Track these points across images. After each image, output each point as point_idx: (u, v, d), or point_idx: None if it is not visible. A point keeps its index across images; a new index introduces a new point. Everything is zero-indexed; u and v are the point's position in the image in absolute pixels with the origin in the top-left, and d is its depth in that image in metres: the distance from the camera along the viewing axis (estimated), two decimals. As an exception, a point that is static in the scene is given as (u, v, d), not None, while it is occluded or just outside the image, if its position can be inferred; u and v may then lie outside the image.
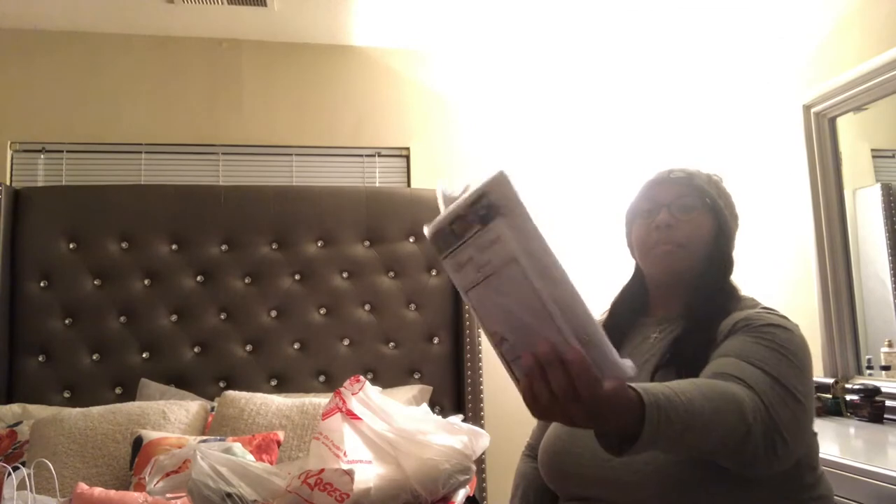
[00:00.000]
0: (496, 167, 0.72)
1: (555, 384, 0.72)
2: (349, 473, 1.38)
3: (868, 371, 2.26)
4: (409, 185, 3.12)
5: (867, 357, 2.28)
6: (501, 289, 0.74)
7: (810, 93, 2.44)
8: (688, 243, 1.22)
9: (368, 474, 1.50)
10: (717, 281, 1.23)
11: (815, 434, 1.12)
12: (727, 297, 1.22)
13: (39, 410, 2.41)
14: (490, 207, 0.71)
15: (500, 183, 0.71)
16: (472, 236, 0.74)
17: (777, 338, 1.07)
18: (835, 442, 1.93)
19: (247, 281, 2.77)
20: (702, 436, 0.87)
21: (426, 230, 0.79)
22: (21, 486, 1.62)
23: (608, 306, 1.36)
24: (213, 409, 2.42)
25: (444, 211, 0.77)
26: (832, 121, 2.44)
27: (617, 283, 1.38)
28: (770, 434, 0.93)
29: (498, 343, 0.78)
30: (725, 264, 1.26)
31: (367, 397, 1.59)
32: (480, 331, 2.78)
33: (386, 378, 2.74)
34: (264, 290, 2.76)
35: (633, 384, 0.81)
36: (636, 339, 1.26)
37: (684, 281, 1.23)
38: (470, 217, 0.73)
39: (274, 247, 2.80)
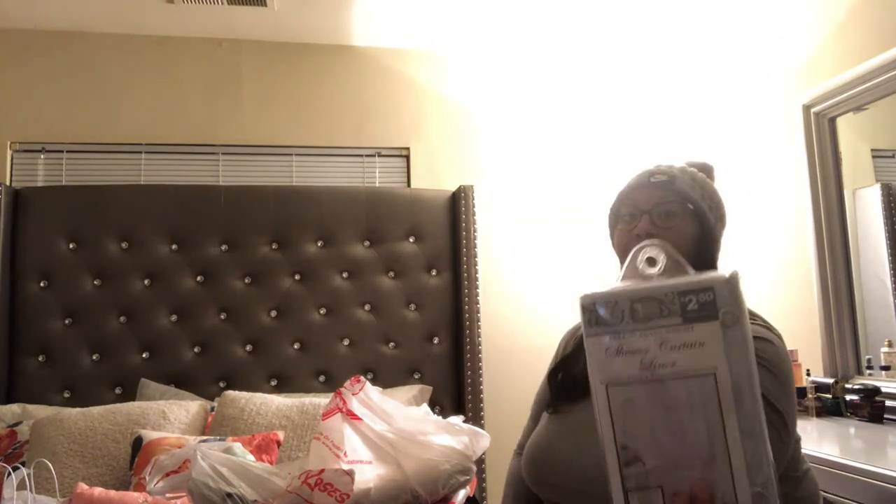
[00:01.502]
0: (727, 268, 0.60)
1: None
2: (349, 474, 1.38)
3: (868, 371, 2.26)
4: (409, 185, 3.12)
5: (867, 357, 2.28)
6: (672, 399, 0.62)
7: (810, 93, 2.44)
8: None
9: (368, 475, 1.50)
10: None
11: (798, 438, 1.12)
12: None
13: (39, 410, 2.41)
14: (706, 306, 0.60)
15: (731, 285, 0.60)
16: (662, 326, 0.62)
17: (761, 354, 1.04)
18: (835, 442, 1.93)
19: (247, 281, 2.77)
20: None
21: (584, 295, 0.66)
22: (21, 486, 1.62)
23: None
24: (213, 409, 2.42)
25: (623, 280, 0.65)
26: (832, 121, 2.43)
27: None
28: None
29: (626, 461, 0.64)
30: (710, 266, 1.22)
31: (367, 398, 1.59)
32: (480, 331, 2.80)
33: (386, 378, 2.74)
34: (264, 290, 2.76)
35: None
36: None
37: None
38: (670, 304, 0.62)
39: (274, 247, 2.80)
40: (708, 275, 0.62)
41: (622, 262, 1.24)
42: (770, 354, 1.05)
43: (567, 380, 1.20)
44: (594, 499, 1.05)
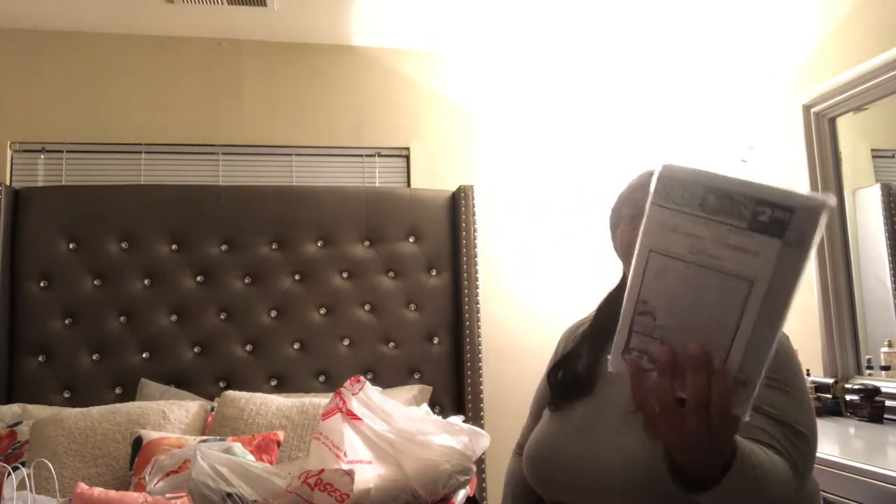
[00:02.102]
0: (824, 195, 0.60)
1: (690, 388, 0.68)
2: (349, 474, 1.38)
3: (868, 371, 2.26)
4: (409, 185, 3.12)
5: (867, 357, 2.28)
6: (703, 286, 0.65)
7: (810, 93, 2.44)
8: None
9: (368, 475, 1.50)
10: None
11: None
12: None
13: (39, 410, 2.41)
14: (777, 223, 0.61)
15: (812, 211, 0.60)
16: (725, 223, 0.63)
17: (771, 368, 1.02)
18: (835, 442, 1.93)
19: (247, 281, 2.77)
20: (761, 497, 0.86)
21: (666, 166, 0.67)
22: (21, 486, 1.62)
23: (595, 310, 1.31)
24: (213, 409, 2.42)
25: (706, 172, 0.65)
26: (832, 121, 2.43)
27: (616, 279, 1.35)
28: (796, 489, 0.95)
29: (640, 311, 0.70)
30: None
31: (367, 398, 1.59)
32: (480, 331, 2.80)
33: (386, 378, 2.74)
34: (264, 290, 2.76)
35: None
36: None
37: None
38: (744, 208, 0.62)
39: (274, 247, 2.80)
40: (795, 194, 0.60)
41: (624, 263, 1.24)
42: (778, 366, 1.01)
43: (569, 377, 1.20)
44: (601, 495, 1.05)
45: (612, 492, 1.04)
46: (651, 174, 1.06)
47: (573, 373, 1.20)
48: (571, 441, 1.12)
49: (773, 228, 0.61)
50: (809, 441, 1.00)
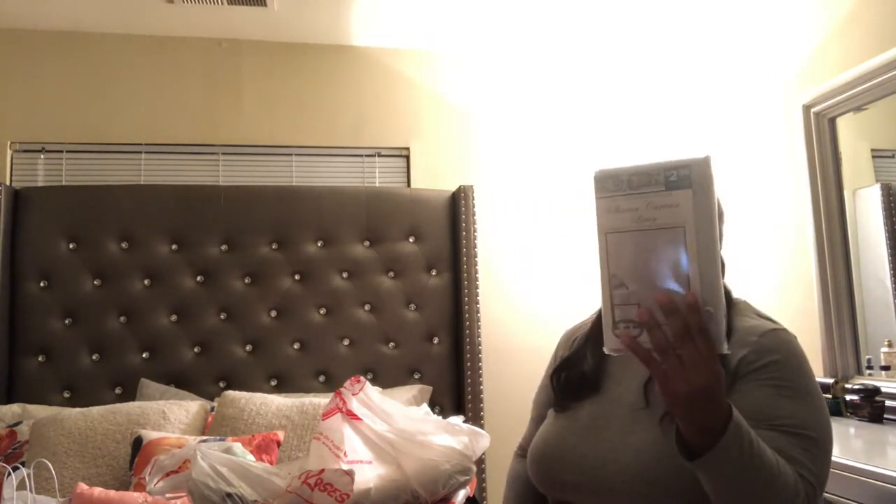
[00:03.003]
0: (704, 151, 0.82)
1: (672, 330, 0.80)
2: (349, 474, 1.38)
3: (868, 371, 2.26)
4: (409, 185, 3.12)
5: (867, 357, 2.28)
6: (651, 245, 0.83)
7: (810, 93, 2.44)
8: None
9: (369, 475, 1.50)
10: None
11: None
12: None
13: (39, 410, 2.41)
14: (684, 178, 0.81)
15: (703, 163, 0.81)
16: (649, 192, 0.83)
17: (785, 377, 1.03)
18: (835, 442, 1.92)
19: (247, 281, 2.77)
20: (759, 486, 0.90)
21: (598, 171, 0.86)
22: (21, 486, 1.62)
23: (595, 312, 1.29)
24: (212, 409, 2.42)
25: (625, 164, 0.86)
26: (832, 121, 2.43)
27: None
28: (809, 497, 0.97)
29: (614, 286, 0.86)
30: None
31: (367, 398, 1.59)
32: (480, 331, 2.80)
33: (386, 378, 2.74)
34: (264, 290, 2.76)
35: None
36: None
37: None
38: (657, 177, 0.82)
39: (274, 247, 2.80)
40: (688, 158, 0.82)
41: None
42: (790, 376, 1.03)
43: (575, 376, 1.20)
44: (609, 493, 1.05)
45: (620, 490, 1.04)
46: None
47: (579, 373, 1.20)
48: (579, 440, 1.11)
49: (683, 183, 0.81)
50: (823, 447, 1.02)
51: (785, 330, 1.11)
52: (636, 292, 0.84)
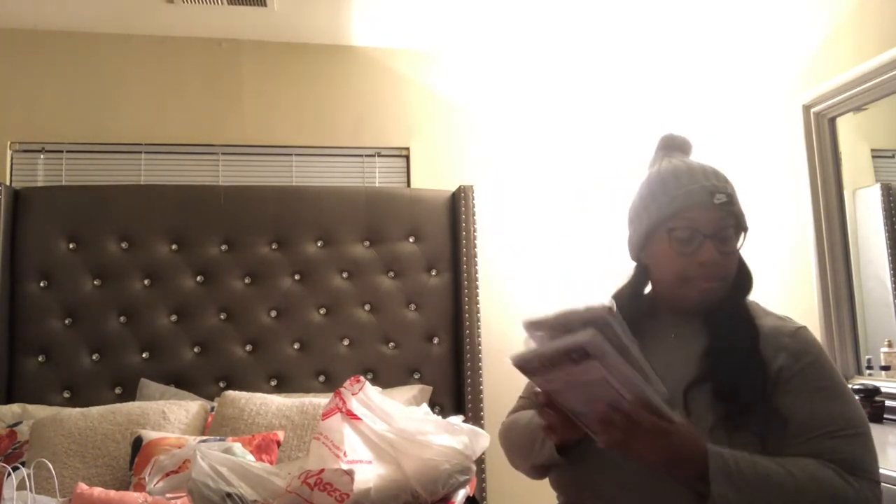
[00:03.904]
0: (588, 332, 0.91)
1: (619, 416, 0.96)
2: (349, 473, 1.38)
3: (868, 371, 2.26)
4: (409, 185, 3.12)
5: (867, 357, 2.28)
6: (587, 389, 0.98)
7: (810, 93, 2.44)
8: (728, 275, 1.18)
9: (368, 474, 1.50)
10: (741, 297, 1.21)
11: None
12: (740, 305, 1.20)
13: (39, 410, 2.41)
14: (585, 354, 0.92)
15: (594, 342, 0.91)
16: (562, 368, 0.95)
17: (824, 376, 1.09)
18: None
19: (247, 281, 2.77)
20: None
21: (512, 359, 0.99)
22: (21, 486, 1.62)
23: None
24: (212, 409, 2.42)
25: (532, 344, 1.00)
26: (832, 121, 2.43)
27: (616, 279, 1.33)
28: (872, 488, 1.03)
29: (573, 413, 1.04)
30: (749, 279, 1.23)
31: (367, 398, 1.59)
32: (480, 331, 2.80)
33: (386, 378, 2.74)
34: (264, 290, 2.76)
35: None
36: (648, 342, 1.11)
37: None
38: (564, 360, 0.94)
39: (274, 247, 2.80)
40: (577, 336, 0.92)
41: (659, 276, 1.22)
42: (825, 373, 1.10)
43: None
44: (629, 493, 1.07)
45: (636, 494, 1.07)
46: (711, 195, 1.16)
47: None
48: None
49: (585, 357, 0.92)
50: (866, 438, 1.07)
51: (805, 327, 1.16)
52: (589, 413, 1.01)
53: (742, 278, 1.21)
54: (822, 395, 1.07)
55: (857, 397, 1.12)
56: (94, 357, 2.65)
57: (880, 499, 1.04)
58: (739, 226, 1.18)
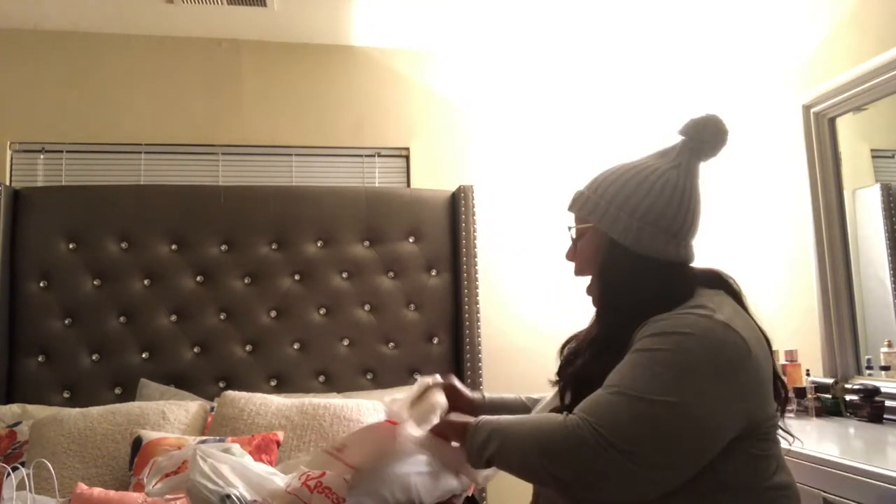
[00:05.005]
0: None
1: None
2: (349, 480, 1.38)
3: (868, 371, 2.26)
4: (408, 185, 3.12)
5: (867, 357, 2.28)
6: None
7: (810, 93, 2.44)
8: (584, 274, 1.24)
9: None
10: (615, 301, 1.14)
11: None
12: (637, 314, 1.07)
13: (39, 410, 2.41)
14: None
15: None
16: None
17: (649, 346, 1.00)
18: (835, 442, 1.93)
19: (247, 281, 2.77)
20: (521, 447, 1.04)
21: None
22: (20, 486, 1.62)
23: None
24: (212, 409, 2.42)
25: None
26: (832, 121, 2.43)
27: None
28: (607, 449, 0.93)
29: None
30: (626, 280, 1.13)
31: None
32: (480, 331, 2.80)
33: (385, 378, 2.74)
34: (264, 290, 2.76)
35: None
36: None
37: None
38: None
39: (274, 247, 2.80)
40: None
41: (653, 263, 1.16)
42: (667, 346, 0.98)
43: (581, 378, 1.18)
44: None
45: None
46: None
47: (587, 375, 1.16)
48: None
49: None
50: (623, 399, 0.96)
51: (710, 317, 1.01)
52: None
53: (615, 277, 1.17)
54: (629, 359, 1.00)
55: (680, 382, 0.95)
56: (93, 357, 2.65)
57: (596, 446, 0.94)
58: (583, 224, 1.27)
